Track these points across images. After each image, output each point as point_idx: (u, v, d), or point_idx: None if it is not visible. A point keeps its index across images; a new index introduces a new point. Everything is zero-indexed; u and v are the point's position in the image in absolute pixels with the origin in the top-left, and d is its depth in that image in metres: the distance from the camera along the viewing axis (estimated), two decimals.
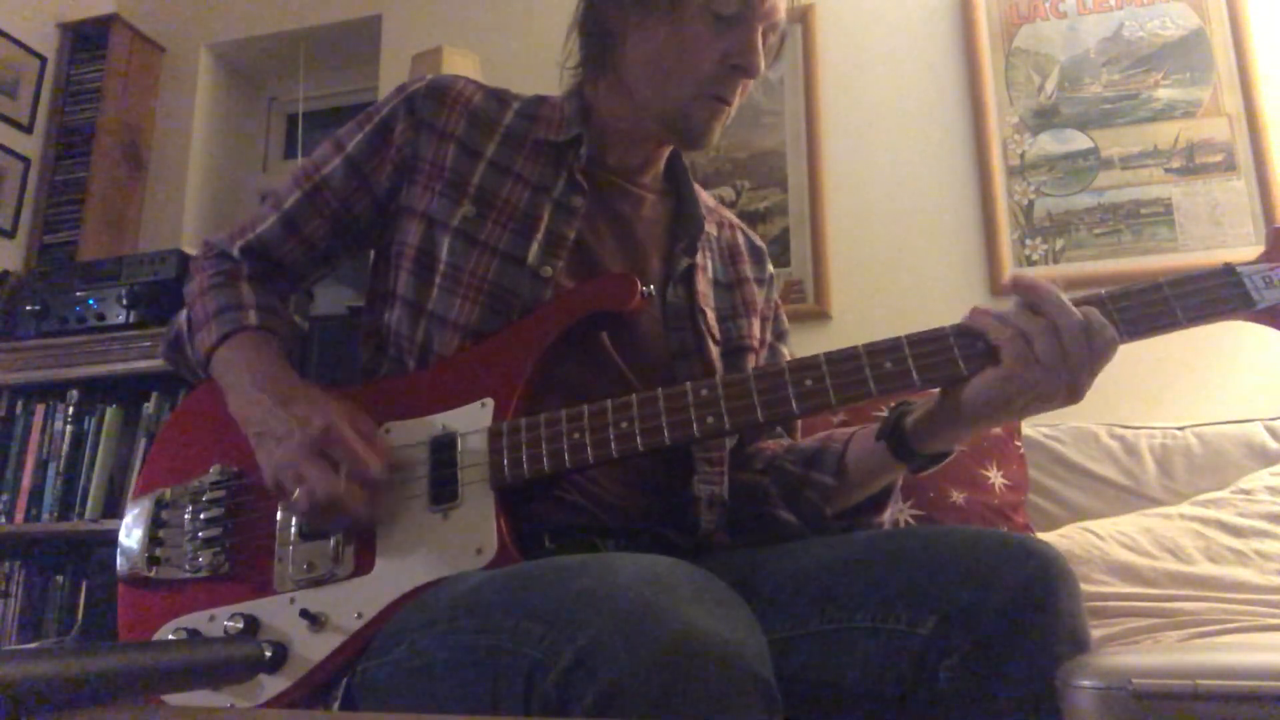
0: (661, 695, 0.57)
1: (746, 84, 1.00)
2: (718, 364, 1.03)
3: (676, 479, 0.98)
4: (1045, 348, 0.76)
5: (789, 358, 1.15)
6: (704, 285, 1.07)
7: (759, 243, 1.20)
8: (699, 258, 1.06)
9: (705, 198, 1.17)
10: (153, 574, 0.92)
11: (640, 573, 0.65)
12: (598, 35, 1.03)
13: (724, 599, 0.67)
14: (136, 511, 0.96)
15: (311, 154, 1.06)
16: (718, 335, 1.05)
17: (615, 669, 0.58)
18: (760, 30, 0.96)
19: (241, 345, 0.96)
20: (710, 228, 1.12)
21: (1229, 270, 0.79)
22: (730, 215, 1.21)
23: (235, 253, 1.05)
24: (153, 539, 0.94)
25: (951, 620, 0.74)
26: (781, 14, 0.99)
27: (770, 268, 1.19)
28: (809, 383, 0.82)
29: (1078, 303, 0.78)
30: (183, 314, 1.04)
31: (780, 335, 1.18)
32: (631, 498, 0.94)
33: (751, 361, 1.08)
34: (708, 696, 0.59)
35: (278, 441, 0.86)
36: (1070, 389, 0.77)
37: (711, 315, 1.05)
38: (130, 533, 0.95)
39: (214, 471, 0.94)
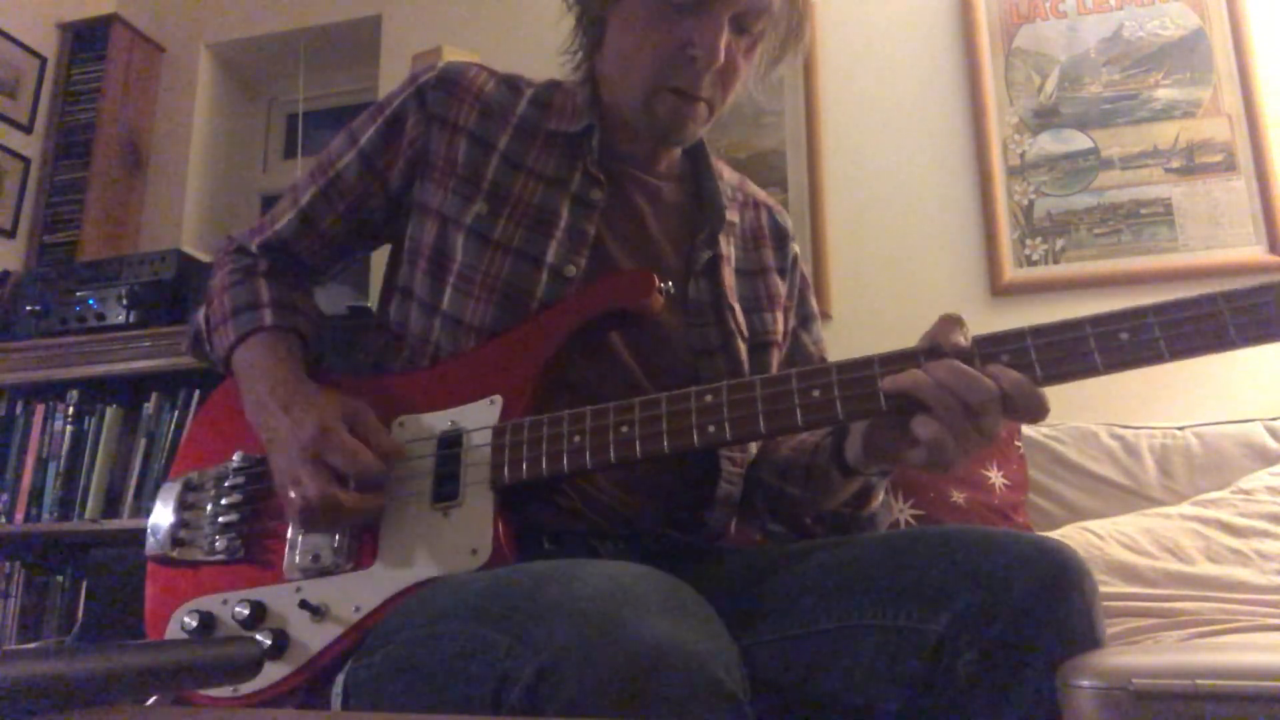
0: (625, 708, 0.57)
1: (727, 78, 0.95)
2: (745, 361, 1.00)
3: (678, 482, 0.98)
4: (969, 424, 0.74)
5: (814, 345, 1.12)
6: (730, 278, 1.03)
7: (783, 221, 1.14)
8: (722, 247, 1.03)
9: (729, 175, 1.13)
10: (175, 554, 0.94)
11: (606, 583, 0.65)
12: (587, 23, 1.01)
13: (692, 608, 0.67)
14: (166, 494, 0.98)
15: (329, 146, 1.05)
16: (746, 332, 1.02)
17: (578, 683, 0.58)
18: (726, 18, 0.91)
19: (257, 347, 0.97)
20: (733, 214, 1.07)
21: None
22: (755, 191, 1.16)
23: (254, 248, 1.05)
24: (179, 521, 0.95)
25: (964, 618, 0.74)
26: None
27: (794, 248, 1.14)
28: (816, 394, 0.78)
29: (1113, 316, 0.72)
30: (201, 311, 1.04)
31: (805, 320, 1.13)
32: (631, 502, 0.94)
33: (775, 356, 1.05)
34: (672, 708, 0.58)
35: (281, 446, 0.87)
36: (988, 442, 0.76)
37: (740, 310, 1.03)
38: (160, 513, 0.97)
39: (237, 458, 0.95)
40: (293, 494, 0.84)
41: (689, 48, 0.91)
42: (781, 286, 1.10)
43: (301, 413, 0.87)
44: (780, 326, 1.08)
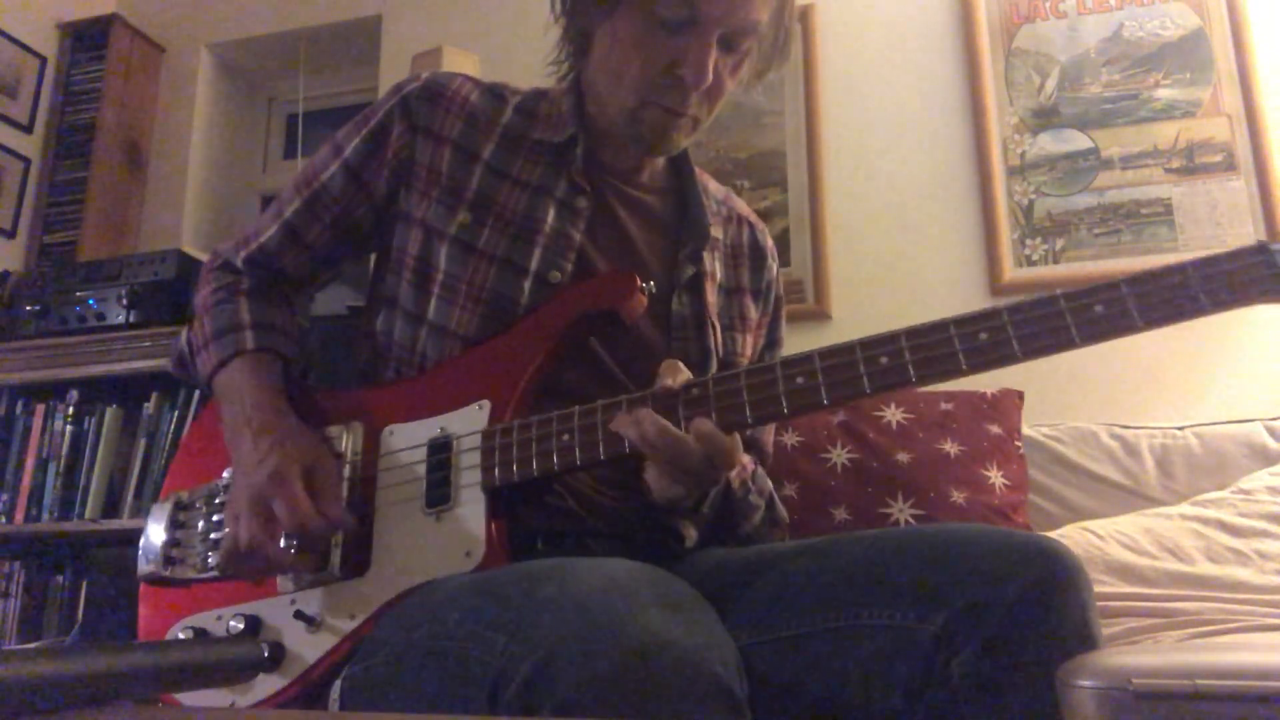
0: (621, 704, 0.57)
1: (712, 96, 0.95)
2: None
3: None
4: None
5: None
6: (713, 295, 1.04)
7: (763, 241, 1.15)
8: (707, 264, 1.03)
9: (715, 189, 1.13)
10: (168, 573, 0.94)
11: (601, 578, 0.65)
12: (572, 32, 1.01)
13: (688, 604, 0.67)
14: (158, 513, 0.98)
15: (313, 157, 1.05)
16: (722, 352, 1.03)
17: (573, 680, 0.58)
18: (714, 37, 0.90)
19: (238, 371, 0.97)
20: (717, 230, 1.08)
21: (1261, 249, 0.71)
22: (741, 207, 1.16)
23: (239, 263, 1.05)
24: (170, 540, 0.95)
25: (961, 617, 0.73)
26: (745, 15, 0.90)
27: (772, 270, 1.14)
28: (800, 380, 0.79)
29: (1087, 289, 0.73)
30: (184, 333, 1.04)
31: (771, 345, 1.15)
32: (621, 500, 0.94)
33: None
34: (668, 704, 0.58)
35: (240, 478, 0.88)
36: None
37: (719, 329, 1.03)
38: (151, 533, 0.97)
39: (226, 475, 0.94)
40: (228, 529, 0.85)
41: (678, 67, 0.91)
42: (753, 310, 1.10)
43: (266, 450, 0.87)
44: (748, 351, 1.08)
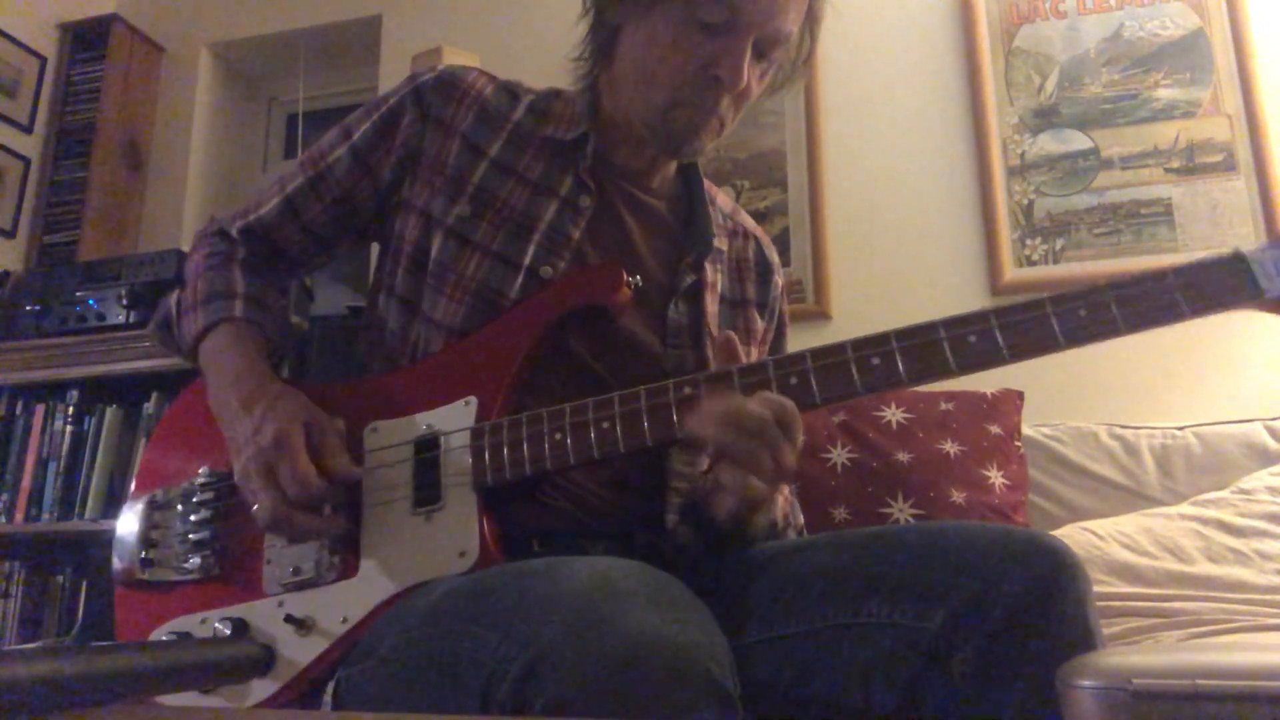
0: (612, 701, 0.57)
1: (740, 100, 0.95)
2: None
3: (656, 479, 0.96)
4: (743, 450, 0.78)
5: None
6: (713, 306, 1.03)
7: (769, 255, 1.15)
8: (709, 274, 1.03)
9: (723, 202, 1.13)
10: (145, 575, 0.92)
11: (593, 577, 0.65)
12: (600, 28, 1.01)
13: (680, 601, 0.67)
14: (130, 514, 0.95)
15: (321, 139, 1.05)
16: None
17: (564, 677, 0.58)
18: (750, 42, 0.91)
19: (224, 337, 0.96)
20: (721, 242, 1.07)
21: (1237, 258, 0.74)
22: (747, 222, 1.16)
23: (234, 233, 1.04)
24: (146, 541, 0.93)
25: (960, 614, 0.73)
26: (780, 24, 0.92)
27: (778, 283, 1.14)
28: (793, 380, 0.80)
29: (1073, 294, 0.75)
30: (174, 295, 1.04)
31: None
32: (617, 500, 0.93)
33: None
34: (659, 701, 0.58)
35: (239, 450, 0.86)
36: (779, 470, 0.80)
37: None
38: (124, 535, 0.95)
39: (203, 473, 0.93)
40: (254, 505, 0.84)
41: (713, 68, 0.91)
42: (760, 322, 1.10)
43: (261, 416, 0.86)
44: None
